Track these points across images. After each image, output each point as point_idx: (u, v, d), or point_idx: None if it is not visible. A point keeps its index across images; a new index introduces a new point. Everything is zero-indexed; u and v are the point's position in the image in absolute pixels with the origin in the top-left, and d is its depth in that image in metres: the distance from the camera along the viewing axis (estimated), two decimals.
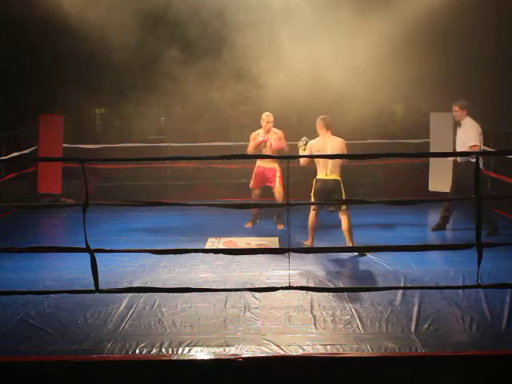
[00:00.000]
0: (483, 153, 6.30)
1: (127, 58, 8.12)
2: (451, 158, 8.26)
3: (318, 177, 6.26)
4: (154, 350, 3.89)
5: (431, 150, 8.78)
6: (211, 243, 6.68)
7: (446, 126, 8.68)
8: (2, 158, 8.55)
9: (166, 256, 5.69)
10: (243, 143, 9.21)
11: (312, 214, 6.39)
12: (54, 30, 8.10)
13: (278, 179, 7.19)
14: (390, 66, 7.63)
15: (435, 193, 8.66)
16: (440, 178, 8.72)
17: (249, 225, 7.50)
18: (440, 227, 7.12)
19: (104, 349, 3.90)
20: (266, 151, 7.13)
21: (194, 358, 3.78)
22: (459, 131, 6.84)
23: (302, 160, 6.26)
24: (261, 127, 7.25)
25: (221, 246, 6.55)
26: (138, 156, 5.25)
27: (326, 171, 6.18)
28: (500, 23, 8.45)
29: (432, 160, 8.87)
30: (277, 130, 7.20)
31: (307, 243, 6.36)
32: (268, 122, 7.12)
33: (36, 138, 9.05)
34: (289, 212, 4.88)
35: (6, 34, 8.68)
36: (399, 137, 9.40)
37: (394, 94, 8.19)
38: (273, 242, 6.65)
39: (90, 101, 10.13)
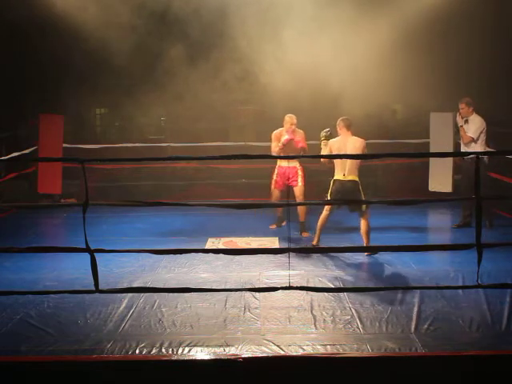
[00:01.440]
0: (483, 153, 6.30)
1: (127, 58, 8.12)
2: (451, 158, 8.28)
3: (335, 177, 6.16)
4: (154, 350, 3.89)
5: (431, 150, 8.78)
6: (211, 243, 6.68)
7: (445, 126, 8.70)
8: (2, 158, 8.55)
9: (165, 256, 5.69)
10: (243, 143, 9.25)
11: (324, 214, 6.29)
12: (54, 30, 8.11)
13: (300, 178, 7.01)
14: (390, 65, 7.63)
15: (435, 193, 8.67)
16: (440, 178, 8.74)
17: (273, 226, 7.32)
18: (465, 224, 7.17)
19: (104, 349, 3.90)
20: (291, 151, 6.83)
21: (193, 357, 3.78)
22: (466, 127, 7.03)
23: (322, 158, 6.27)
24: (281, 127, 7.03)
25: (221, 246, 6.55)
26: (138, 156, 5.23)
27: (344, 172, 6.09)
28: (500, 23, 8.45)
29: (432, 160, 8.88)
30: (299, 131, 6.99)
31: (313, 243, 6.33)
32: (291, 124, 6.87)
33: (36, 138, 9.04)
34: (289, 212, 4.90)
35: (6, 35, 8.68)
36: (399, 137, 9.39)
37: (394, 93, 8.19)
38: (273, 242, 6.65)
39: (90, 101, 10.13)
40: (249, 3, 7.68)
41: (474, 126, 6.96)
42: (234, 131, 10.44)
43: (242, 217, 7.47)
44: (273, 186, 7.14)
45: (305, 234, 6.91)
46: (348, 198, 6.06)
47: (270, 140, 7.14)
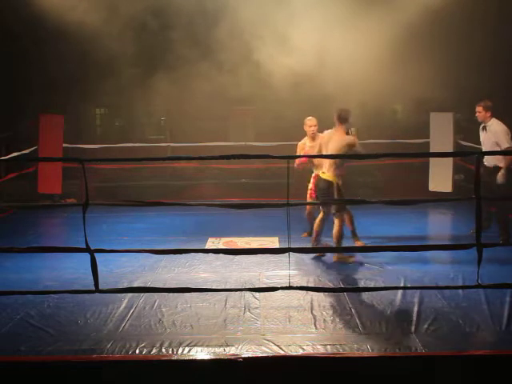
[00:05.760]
0: (482, 153, 6.26)
1: (127, 58, 8.13)
2: (451, 158, 8.27)
3: (316, 172, 6.02)
4: (154, 350, 3.89)
5: (431, 150, 8.79)
6: (211, 243, 6.68)
7: (446, 126, 8.71)
8: (2, 158, 8.56)
9: (165, 256, 5.69)
10: (243, 143, 9.25)
11: (319, 217, 6.03)
12: (54, 30, 8.11)
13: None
14: (390, 65, 7.63)
15: (435, 193, 8.67)
16: (440, 178, 8.75)
17: (305, 235, 6.73)
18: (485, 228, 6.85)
19: (104, 349, 3.90)
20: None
21: (193, 358, 3.78)
22: (485, 134, 6.48)
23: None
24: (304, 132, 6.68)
25: (221, 246, 6.55)
26: (138, 156, 5.24)
27: (323, 169, 5.87)
28: (501, 23, 8.45)
29: (432, 160, 8.88)
30: (322, 135, 6.42)
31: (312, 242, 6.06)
32: (310, 127, 6.53)
33: (36, 137, 9.05)
34: (289, 212, 4.88)
35: (6, 35, 8.69)
36: (399, 137, 9.39)
37: (394, 93, 8.19)
38: (273, 242, 6.65)
39: (90, 101, 10.14)
40: (251, 3, 7.69)
41: (505, 137, 6.23)
42: (234, 131, 10.45)
43: (242, 217, 7.47)
44: (308, 196, 6.59)
45: (358, 243, 6.36)
46: (323, 197, 5.83)
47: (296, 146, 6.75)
